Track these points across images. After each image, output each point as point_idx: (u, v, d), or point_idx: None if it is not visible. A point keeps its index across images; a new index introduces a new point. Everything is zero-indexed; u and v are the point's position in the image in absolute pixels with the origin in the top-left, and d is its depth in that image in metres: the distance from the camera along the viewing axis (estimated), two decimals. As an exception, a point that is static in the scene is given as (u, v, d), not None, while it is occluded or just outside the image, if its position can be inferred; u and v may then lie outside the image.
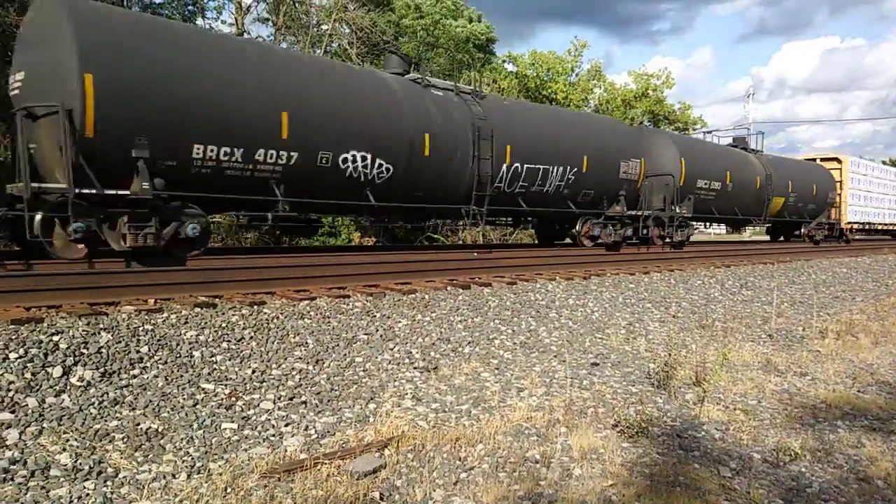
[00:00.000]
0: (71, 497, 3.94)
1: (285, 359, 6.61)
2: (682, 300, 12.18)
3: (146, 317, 6.67)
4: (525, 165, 13.09)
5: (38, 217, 7.79)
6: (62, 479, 4.14)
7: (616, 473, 4.58)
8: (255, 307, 7.54)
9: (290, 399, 5.81)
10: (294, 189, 9.79)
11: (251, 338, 6.84)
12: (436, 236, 23.98)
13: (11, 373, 5.22)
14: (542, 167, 13.42)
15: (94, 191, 7.81)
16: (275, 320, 7.34)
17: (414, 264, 10.60)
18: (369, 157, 10.59)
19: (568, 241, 17.20)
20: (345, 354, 7.00)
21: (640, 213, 16.01)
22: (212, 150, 8.72)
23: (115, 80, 7.85)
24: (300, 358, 6.70)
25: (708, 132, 21.25)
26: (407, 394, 6.20)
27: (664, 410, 6.06)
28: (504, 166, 12.69)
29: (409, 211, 12.42)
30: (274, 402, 5.69)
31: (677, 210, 16.72)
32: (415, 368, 6.96)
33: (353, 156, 10.36)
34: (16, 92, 8.44)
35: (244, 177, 9.21)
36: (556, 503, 4.11)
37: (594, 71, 36.70)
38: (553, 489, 4.30)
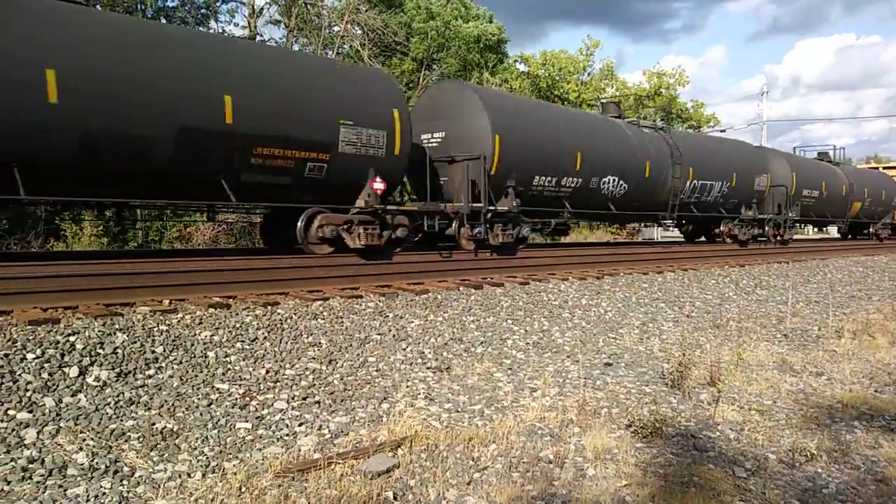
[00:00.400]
0: (88, 496, 3.98)
1: (299, 359, 6.64)
2: (696, 300, 12.11)
3: (161, 317, 6.72)
4: (699, 181, 17.24)
5: (455, 224, 11.42)
6: (79, 478, 4.18)
7: (630, 474, 4.56)
8: (269, 307, 7.58)
9: (304, 399, 5.84)
10: (575, 203, 13.73)
11: (265, 338, 6.87)
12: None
13: (29, 373, 5.28)
14: (709, 182, 17.62)
15: (490, 206, 11.52)
16: (288, 320, 7.37)
17: (426, 265, 10.61)
18: (617, 179, 14.50)
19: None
20: (358, 354, 7.03)
21: (764, 216, 19.95)
22: (541, 180, 12.71)
23: (506, 139, 11.67)
24: (313, 358, 6.73)
25: (721, 131, 21.94)
26: (420, 394, 6.21)
27: (678, 411, 6.03)
28: (688, 183, 16.77)
29: (630, 217, 17.32)
30: (288, 402, 5.72)
31: (790, 214, 20.84)
32: (427, 368, 6.97)
33: (609, 179, 14.27)
34: (434, 145, 12.21)
35: (552, 196, 13.22)
36: (570, 503, 4.10)
37: (606, 70, 36.56)
38: (567, 489, 4.29)
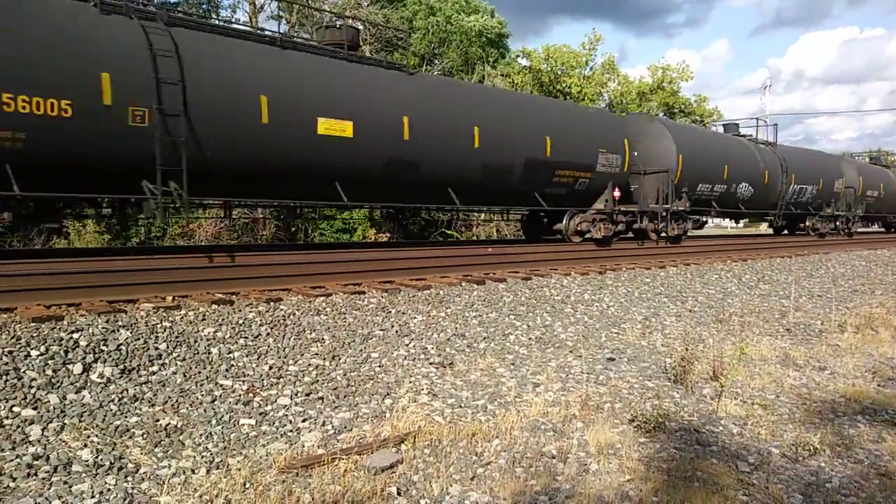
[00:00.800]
0: (93, 492, 3.99)
1: (302, 355, 6.65)
2: (699, 294, 12.11)
3: (164, 314, 6.74)
4: (798, 185, 21.75)
5: (645, 221, 15.42)
6: (84, 475, 4.20)
7: (633, 468, 4.57)
8: (272, 304, 7.59)
9: (307, 395, 5.85)
10: (720, 204, 18.19)
11: (268, 334, 6.89)
12: (450, 232, 23.97)
13: (33, 370, 5.30)
14: (804, 186, 22.16)
15: (680, 208, 16.05)
16: (291, 317, 7.38)
17: (428, 260, 10.62)
18: (747, 185, 19.05)
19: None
20: (361, 350, 7.04)
21: (839, 213, 24.36)
22: (702, 186, 16.96)
23: (685, 158, 15.88)
24: (317, 354, 6.74)
25: (725, 124, 22.09)
26: (423, 389, 6.22)
27: (681, 405, 6.03)
28: (790, 187, 21.41)
29: (751, 214, 21.59)
30: (291, 398, 5.73)
31: (858, 211, 25.73)
32: (430, 364, 6.98)
33: (743, 185, 18.81)
34: (633, 161, 15.31)
35: (707, 198, 17.41)
36: (573, 498, 4.10)
37: (607, 64, 36.41)
38: (570, 484, 4.30)
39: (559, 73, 33.57)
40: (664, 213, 15.52)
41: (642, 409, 5.62)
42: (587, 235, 14.48)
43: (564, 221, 14.19)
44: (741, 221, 26.96)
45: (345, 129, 9.61)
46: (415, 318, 8.15)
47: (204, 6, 24.45)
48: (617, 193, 14.37)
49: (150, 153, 7.67)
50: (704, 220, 19.20)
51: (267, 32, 9.92)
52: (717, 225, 46.49)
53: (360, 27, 26.02)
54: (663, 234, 15.91)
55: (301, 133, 9.14)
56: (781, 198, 20.95)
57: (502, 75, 31.02)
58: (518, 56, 35.00)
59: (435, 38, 29.07)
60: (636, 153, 15.26)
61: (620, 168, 14.56)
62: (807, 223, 23.61)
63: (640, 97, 35.56)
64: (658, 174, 15.35)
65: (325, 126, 9.38)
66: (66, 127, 7.13)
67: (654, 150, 15.64)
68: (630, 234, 16.16)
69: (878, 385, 6.99)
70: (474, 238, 24.12)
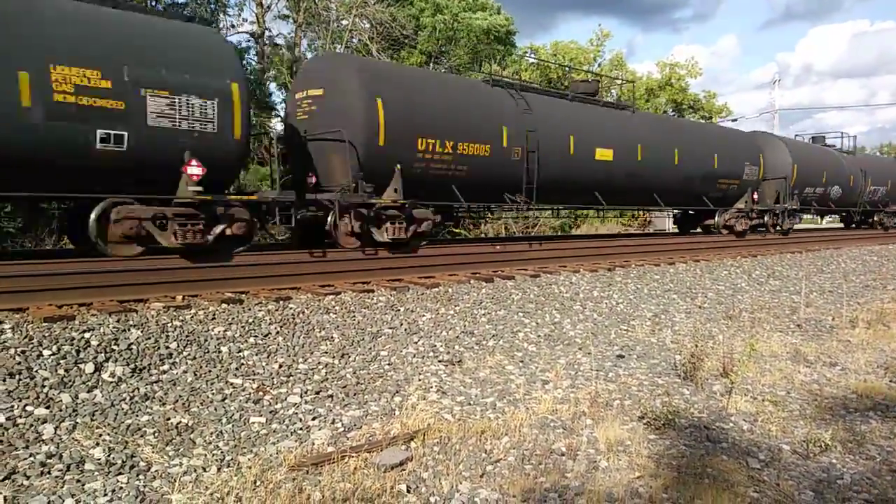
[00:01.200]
0: (105, 490, 4.02)
1: (311, 353, 6.67)
2: (709, 291, 12.06)
3: (174, 313, 6.77)
4: (873, 187, 25.93)
5: (766, 217, 19.23)
6: (96, 473, 4.23)
7: (643, 465, 4.56)
8: (281, 302, 7.62)
9: (317, 393, 5.87)
10: (818, 203, 22.19)
11: (278, 333, 6.91)
12: (457, 230, 23.97)
13: (46, 369, 5.34)
14: (877, 188, 26.28)
15: (793, 207, 19.87)
16: (300, 315, 7.40)
17: (437, 258, 10.62)
18: (839, 188, 22.67)
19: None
20: (370, 348, 7.05)
21: None
22: (807, 189, 20.81)
23: (799, 167, 20.18)
24: (326, 352, 6.76)
25: (734, 120, 22.30)
26: (432, 387, 6.23)
27: (691, 402, 6.02)
28: (867, 188, 25.45)
29: (838, 210, 25.90)
30: (301, 396, 5.75)
31: None
32: (439, 362, 6.99)
33: (835, 188, 22.27)
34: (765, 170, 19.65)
35: (809, 199, 21.32)
36: (583, 495, 4.10)
37: (616, 61, 36.30)
38: (579, 481, 4.30)
39: (567, 69, 33.48)
40: (781, 211, 19.60)
41: (652, 405, 5.61)
42: (733, 229, 18.50)
43: (716, 218, 18.22)
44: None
45: (608, 155, 13.92)
46: (424, 315, 8.16)
47: (212, 6, 24.52)
48: (756, 196, 18.55)
49: (519, 177, 11.98)
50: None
51: (567, 93, 14.58)
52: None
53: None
54: (778, 228, 19.69)
55: (588, 158, 13.45)
56: (860, 197, 25.20)
57: (512, 73, 30.97)
58: (525, 52, 34.93)
59: (442, 35, 29.04)
60: (756, 168, 19.03)
61: (757, 176, 18.71)
62: (875, 218, 27.59)
63: (648, 93, 35.43)
64: (777, 180, 19.51)
65: (599, 153, 13.72)
66: (486, 161, 11.37)
67: (775, 161, 19.65)
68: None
69: (890, 381, 6.94)
70: (482, 235, 24.15)
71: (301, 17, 25.85)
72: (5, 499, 3.82)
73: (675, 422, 5.29)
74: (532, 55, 34.28)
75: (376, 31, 25.95)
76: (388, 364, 6.75)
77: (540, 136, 12.05)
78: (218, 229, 8.19)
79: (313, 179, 9.99)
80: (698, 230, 19.49)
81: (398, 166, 9.95)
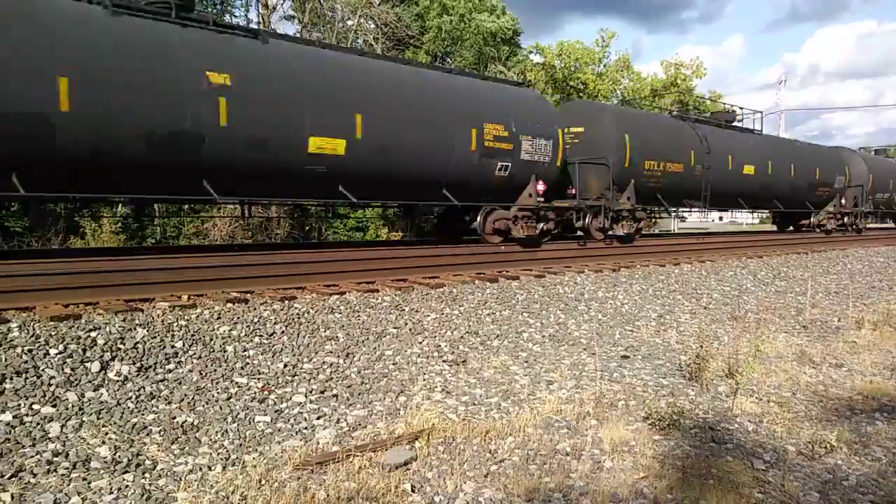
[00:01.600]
0: (111, 489, 4.04)
1: (316, 353, 6.69)
2: (714, 291, 12.03)
3: (180, 312, 6.80)
4: (881, 194, 26.62)
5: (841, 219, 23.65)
6: (102, 471, 4.25)
7: (648, 466, 4.55)
8: (286, 302, 7.64)
9: (322, 392, 5.88)
10: (884, 206, 25.52)
11: (283, 332, 6.93)
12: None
13: (52, 368, 5.37)
14: (887, 193, 27.56)
15: (867, 210, 24.51)
16: (305, 315, 7.42)
17: (442, 258, 10.63)
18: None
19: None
20: (375, 348, 7.06)
21: None
22: (878, 195, 25.48)
23: (875, 177, 25.17)
24: (331, 352, 6.77)
25: (740, 120, 22.05)
26: (437, 387, 6.23)
27: (696, 403, 6.01)
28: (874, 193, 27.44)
29: (885, 214, 28.58)
30: (306, 396, 5.76)
31: None
32: (444, 362, 6.99)
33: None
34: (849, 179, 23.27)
35: (877, 202, 25.22)
36: (588, 495, 4.10)
37: (622, 62, 36.20)
38: (584, 482, 4.30)
39: (573, 69, 33.43)
40: (858, 214, 23.43)
41: (657, 406, 5.60)
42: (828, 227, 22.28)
43: (812, 218, 22.29)
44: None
45: (751, 170, 18.08)
46: (428, 315, 8.16)
47: (217, 6, 24.59)
48: (844, 201, 21.93)
49: (700, 187, 15.95)
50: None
51: (721, 122, 18.66)
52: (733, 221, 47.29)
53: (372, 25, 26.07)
54: (854, 227, 23.18)
55: (739, 172, 17.50)
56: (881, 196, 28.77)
57: (518, 73, 30.95)
58: (530, 52, 34.89)
59: (448, 36, 29.04)
60: (841, 179, 22.69)
61: (843, 184, 22.60)
62: None
63: (653, 94, 35.34)
64: (857, 187, 23.29)
65: (746, 169, 17.76)
66: (679, 176, 15.23)
67: (855, 172, 23.32)
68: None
69: (897, 382, 6.92)
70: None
71: (306, 18, 25.90)
72: (13, 496, 3.84)
73: (679, 422, 5.28)
74: (537, 54, 34.23)
75: (381, 32, 25.97)
76: (393, 364, 6.75)
77: (711, 158, 16.08)
78: (541, 225, 12.33)
79: (573, 191, 13.22)
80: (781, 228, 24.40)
81: (633, 181, 13.99)
